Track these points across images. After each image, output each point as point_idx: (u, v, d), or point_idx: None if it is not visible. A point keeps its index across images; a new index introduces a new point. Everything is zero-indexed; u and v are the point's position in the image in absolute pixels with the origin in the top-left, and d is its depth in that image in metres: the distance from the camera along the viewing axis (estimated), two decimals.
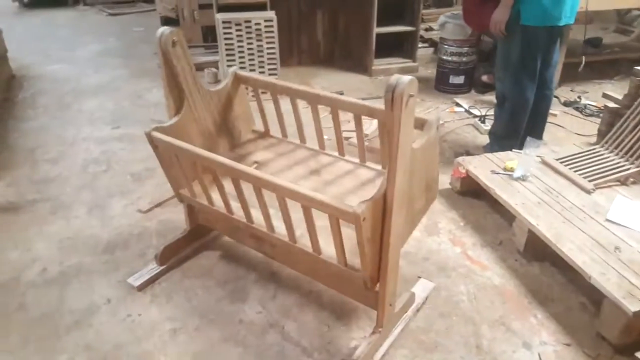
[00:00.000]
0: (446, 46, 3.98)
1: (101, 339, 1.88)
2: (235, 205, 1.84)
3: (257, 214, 1.79)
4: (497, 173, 2.53)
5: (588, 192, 2.34)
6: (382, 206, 1.49)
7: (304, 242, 1.71)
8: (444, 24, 3.94)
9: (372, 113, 1.92)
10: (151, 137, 1.85)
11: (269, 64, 3.98)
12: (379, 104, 1.85)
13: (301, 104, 2.16)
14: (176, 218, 2.53)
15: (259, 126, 2.39)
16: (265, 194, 1.65)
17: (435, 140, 1.74)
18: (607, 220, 2.16)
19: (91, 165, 3.11)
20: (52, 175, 3.00)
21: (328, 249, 1.67)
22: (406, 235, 1.77)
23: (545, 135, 3.15)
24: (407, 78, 1.30)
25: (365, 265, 1.55)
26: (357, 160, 2.16)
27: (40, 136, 3.50)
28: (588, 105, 3.76)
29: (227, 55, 3.92)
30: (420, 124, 1.71)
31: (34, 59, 5.23)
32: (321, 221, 1.63)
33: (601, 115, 3.02)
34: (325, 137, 2.24)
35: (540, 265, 2.22)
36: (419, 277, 2.13)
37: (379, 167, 2.10)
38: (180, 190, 2.04)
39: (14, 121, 3.74)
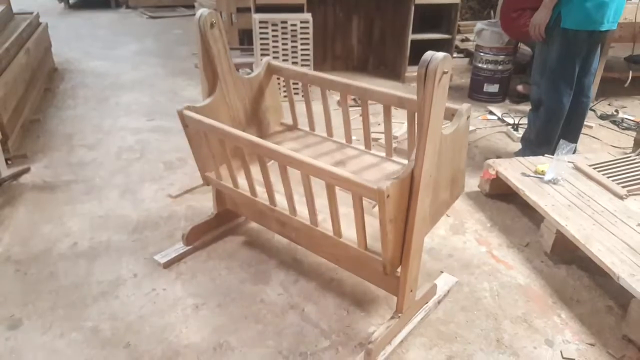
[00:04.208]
0: (482, 54, 3.97)
1: (126, 310, 1.92)
2: (260, 189, 1.87)
3: (280, 199, 1.82)
4: (528, 175, 2.50)
5: (621, 197, 2.30)
6: (409, 187, 1.50)
7: (326, 225, 1.72)
8: (481, 31, 3.93)
9: (402, 103, 1.92)
10: (182, 115, 1.89)
11: (302, 64, 4.03)
12: (410, 95, 1.87)
13: (332, 105, 2.17)
14: (205, 205, 2.57)
15: (288, 120, 2.42)
16: (291, 178, 1.68)
17: (465, 131, 1.74)
18: None
19: (125, 153, 3.20)
20: (88, 160, 3.10)
21: (348, 233, 1.68)
22: (430, 225, 1.77)
23: (579, 146, 3.11)
24: (441, 54, 1.31)
25: (385, 248, 1.54)
26: (383, 154, 2.16)
27: (79, 124, 3.62)
28: (625, 119, 3.69)
29: (262, 55, 3.99)
30: (450, 114, 1.72)
31: (75, 55, 5.42)
32: (343, 208, 1.66)
33: (638, 128, 2.97)
34: (353, 137, 2.26)
35: (567, 267, 2.18)
36: (442, 272, 2.12)
37: (406, 162, 2.11)
38: (207, 173, 2.08)
39: (54, 109, 3.88)
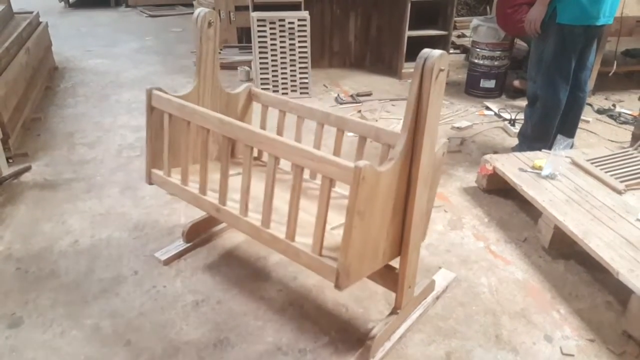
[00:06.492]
0: (478, 49, 3.98)
1: (126, 307, 1.93)
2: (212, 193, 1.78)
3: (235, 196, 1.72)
4: (525, 171, 2.51)
5: (619, 192, 2.31)
6: (388, 182, 1.41)
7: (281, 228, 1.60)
8: (477, 27, 3.94)
9: (378, 136, 1.80)
10: (150, 95, 1.86)
11: (300, 62, 4.04)
12: (390, 128, 1.82)
13: (305, 131, 2.08)
14: None
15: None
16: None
17: (439, 166, 1.67)
18: (638, 220, 2.11)
19: (126, 150, 3.21)
20: (88, 158, 3.11)
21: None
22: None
23: (576, 141, 3.12)
24: (437, 52, 1.32)
25: (345, 249, 1.34)
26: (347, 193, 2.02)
27: (79, 122, 3.63)
28: (622, 113, 3.70)
29: (260, 53, 4.00)
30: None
31: (75, 54, 5.43)
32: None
33: (636, 122, 2.97)
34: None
35: (566, 262, 2.19)
36: (440, 268, 2.13)
37: None
38: (153, 169, 2.02)
39: (55, 108, 3.89)
